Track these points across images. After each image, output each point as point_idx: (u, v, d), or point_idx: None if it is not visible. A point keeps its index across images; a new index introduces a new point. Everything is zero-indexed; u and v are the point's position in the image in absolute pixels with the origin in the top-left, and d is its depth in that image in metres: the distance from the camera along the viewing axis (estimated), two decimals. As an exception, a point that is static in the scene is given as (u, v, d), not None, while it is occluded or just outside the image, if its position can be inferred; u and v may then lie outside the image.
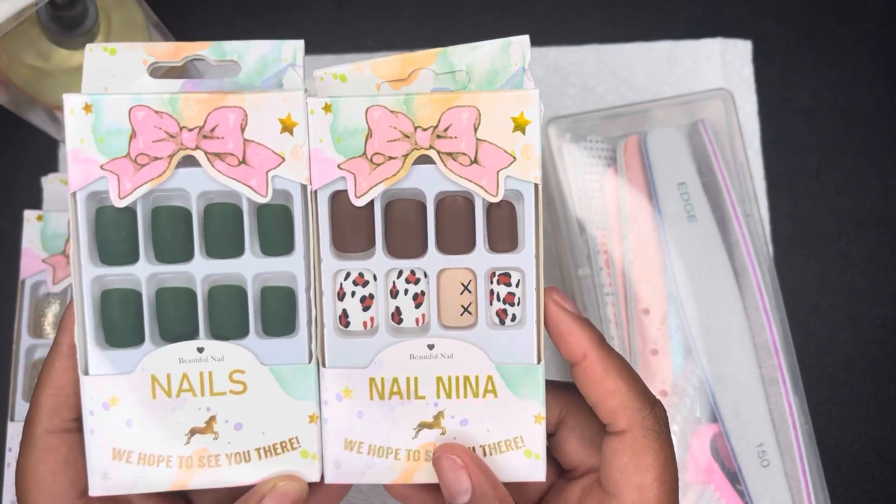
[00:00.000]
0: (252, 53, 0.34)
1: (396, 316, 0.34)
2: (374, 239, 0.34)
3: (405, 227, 0.34)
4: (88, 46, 0.34)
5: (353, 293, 0.34)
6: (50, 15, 0.45)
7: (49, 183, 0.51)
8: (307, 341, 0.34)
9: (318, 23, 0.57)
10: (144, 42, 0.35)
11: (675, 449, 0.37)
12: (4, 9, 0.39)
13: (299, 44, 0.35)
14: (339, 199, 0.34)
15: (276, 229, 0.34)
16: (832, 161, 0.56)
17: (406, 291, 0.34)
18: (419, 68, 0.35)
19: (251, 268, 0.34)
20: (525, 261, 0.34)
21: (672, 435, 0.37)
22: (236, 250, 0.34)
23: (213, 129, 0.33)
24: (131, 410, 0.33)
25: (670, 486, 0.33)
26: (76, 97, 0.33)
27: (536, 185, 0.34)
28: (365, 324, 0.34)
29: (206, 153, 0.33)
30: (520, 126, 0.33)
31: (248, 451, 0.34)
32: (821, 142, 0.56)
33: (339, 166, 0.34)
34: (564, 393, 0.36)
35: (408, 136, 0.33)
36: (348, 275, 0.34)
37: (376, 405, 0.34)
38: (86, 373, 0.33)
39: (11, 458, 0.46)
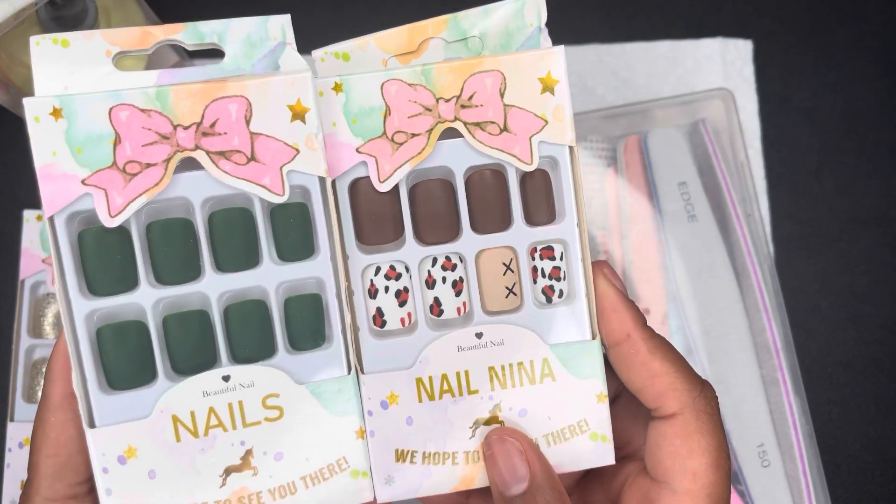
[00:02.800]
0: (234, 34, 0.30)
1: (436, 308, 0.31)
2: (403, 227, 0.31)
3: (434, 209, 0.31)
4: (34, 39, 0.29)
5: (387, 288, 0.31)
6: (49, 15, 0.45)
7: (49, 184, 0.49)
8: (343, 351, 0.30)
9: (317, 22, 0.54)
10: (101, 29, 0.29)
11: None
12: (4, 9, 0.38)
13: (286, 18, 0.30)
14: (359, 187, 0.30)
15: (295, 231, 0.30)
16: (832, 161, 0.56)
17: (444, 280, 0.31)
18: (429, 38, 0.31)
19: (272, 277, 0.30)
20: (567, 231, 0.32)
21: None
22: (252, 260, 0.30)
23: (213, 125, 0.28)
24: (153, 459, 0.29)
25: (725, 472, 0.31)
26: (40, 101, 0.27)
27: (572, 148, 0.31)
28: (402, 320, 0.31)
29: (207, 153, 0.28)
30: (548, 87, 0.31)
31: (293, 482, 0.30)
32: (821, 142, 0.56)
33: (357, 150, 0.30)
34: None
35: (430, 110, 0.30)
36: (378, 269, 0.31)
37: (426, 407, 0.31)
38: (91, 425, 0.28)
39: (11, 458, 0.46)
